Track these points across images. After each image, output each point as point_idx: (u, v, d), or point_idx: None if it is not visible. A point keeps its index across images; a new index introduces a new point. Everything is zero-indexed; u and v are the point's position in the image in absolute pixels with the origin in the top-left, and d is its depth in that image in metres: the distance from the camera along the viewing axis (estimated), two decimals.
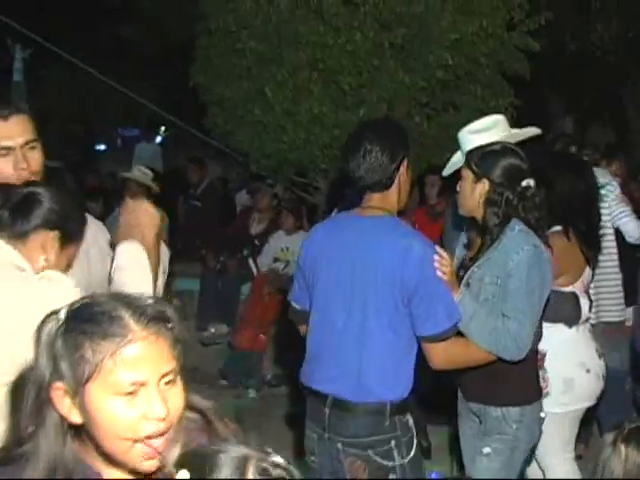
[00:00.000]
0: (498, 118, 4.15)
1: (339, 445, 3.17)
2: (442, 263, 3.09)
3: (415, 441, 3.21)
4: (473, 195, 3.42)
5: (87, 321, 1.51)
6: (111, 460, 1.57)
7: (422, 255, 3.07)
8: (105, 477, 1.59)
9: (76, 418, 1.54)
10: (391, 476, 3.15)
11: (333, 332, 3.19)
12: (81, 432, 1.57)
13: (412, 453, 3.17)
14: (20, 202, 2.46)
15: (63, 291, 2.20)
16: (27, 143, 2.69)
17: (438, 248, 3.15)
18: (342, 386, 3.16)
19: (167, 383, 1.53)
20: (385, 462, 3.13)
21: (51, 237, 2.46)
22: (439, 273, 3.08)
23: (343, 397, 3.16)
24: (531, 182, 3.37)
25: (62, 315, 1.54)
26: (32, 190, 2.50)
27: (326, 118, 7.44)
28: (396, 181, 3.17)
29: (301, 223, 7.73)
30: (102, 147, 20.93)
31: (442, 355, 3.15)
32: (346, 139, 3.42)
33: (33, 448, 1.55)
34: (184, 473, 1.28)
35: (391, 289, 3.06)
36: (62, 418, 1.54)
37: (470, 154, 3.49)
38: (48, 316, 1.57)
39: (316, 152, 7.67)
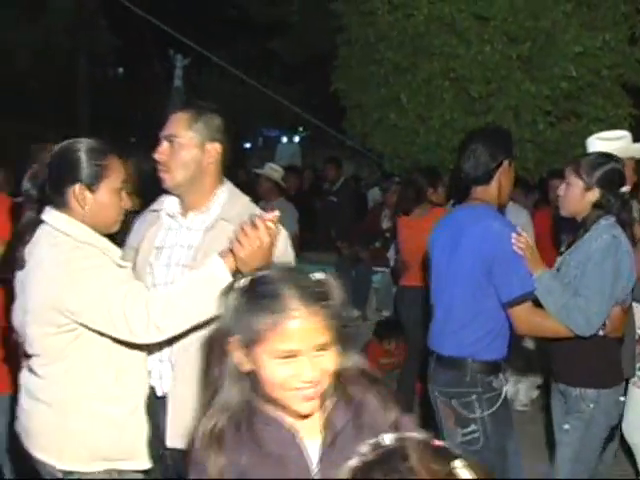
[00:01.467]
0: (626, 134, 4.54)
1: (436, 393, 3.68)
2: (519, 240, 3.46)
3: (501, 400, 3.54)
4: (582, 201, 3.70)
5: (259, 296, 1.71)
6: (277, 403, 1.79)
7: (499, 232, 3.48)
8: (284, 420, 1.81)
9: (248, 367, 1.77)
10: (472, 426, 3.53)
11: (435, 300, 3.79)
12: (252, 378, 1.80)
13: (493, 409, 3.52)
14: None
15: None
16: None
17: (518, 229, 3.55)
18: (437, 341, 3.71)
19: (319, 350, 1.71)
20: (466, 413, 3.54)
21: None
22: (516, 249, 3.45)
23: (436, 350, 3.70)
24: (627, 187, 3.77)
25: (242, 283, 1.77)
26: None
27: (456, 123, 7.80)
28: (496, 178, 3.62)
29: None
30: (247, 145, 22.10)
31: (523, 321, 3.48)
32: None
33: (219, 385, 1.81)
34: None
35: (473, 261, 3.49)
36: (237, 365, 1.78)
37: (579, 164, 3.74)
38: (233, 282, 1.83)
39: (445, 155, 8.03)
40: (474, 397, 3.52)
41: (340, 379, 1.81)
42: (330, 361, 1.73)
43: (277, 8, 14.31)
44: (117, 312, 2.51)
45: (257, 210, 2.89)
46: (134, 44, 18.12)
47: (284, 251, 2.81)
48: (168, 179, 2.89)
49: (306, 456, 1.79)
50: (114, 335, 2.59)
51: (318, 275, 1.77)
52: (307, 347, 1.69)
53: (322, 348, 1.71)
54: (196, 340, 2.60)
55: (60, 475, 2.71)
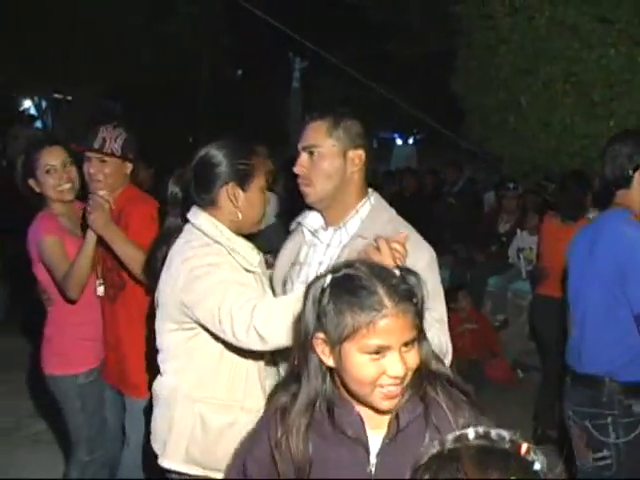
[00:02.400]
0: None
1: (570, 412, 3.44)
2: None
3: None
4: None
5: (349, 293, 1.73)
6: (357, 399, 1.82)
7: (634, 240, 3.24)
8: (355, 408, 1.84)
9: (330, 363, 1.79)
10: (604, 452, 3.25)
11: (571, 311, 3.58)
12: (334, 375, 1.83)
13: (631, 436, 3.22)
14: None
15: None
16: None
17: None
18: (573, 357, 3.47)
19: (406, 346, 1.74)
20: (599, 436, 3.27)
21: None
22: None
23: (572, 366, 3.46)
24: None
25: (328, 280, 1.78)
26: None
27: (577, 128, 7.75)
28: (636, 181, 3.37)
29: None
30: None
31: None
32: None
33: (301, 381, 1.86)
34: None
35: (606, 269, 3.27)
36: (320, 361, 1.81)
37: None
38: (316, 278, 1.83)
39: (565, 160, 7.96)
40: (609, 420, 3.26)
41: (418, 375, 1.82)
42: (415, 357, 1.77)
43: (394, 9, 14.41)
44: (225, 310, 2.49)
45: (402, 226, 2.64)
46: (253, 46, 18.58)
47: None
48: (311, 193, 2.69)
49: (366, 446, 1.82)
50: (219, 334, 2.57)
51: (403, 273, 1.80)
52: (397, 343, 1.71)
53: (409, 345, 1.74)
54: None
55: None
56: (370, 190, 2.76)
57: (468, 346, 7.15)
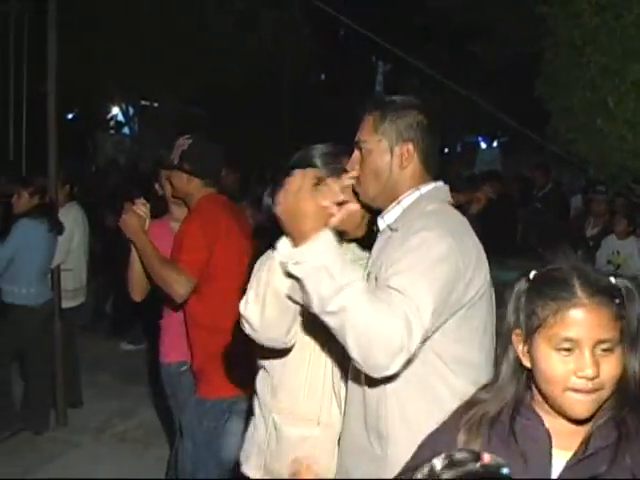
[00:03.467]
0: None
1: None
2: None
3: None
4: None
5: (545, 283, 1.69)
6: (550, 408, 1.72)
7: None
8: (545, 422, 1.72)
9: (527, 363, 1.72)
10: None
11: None
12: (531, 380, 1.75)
13: None
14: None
15: None
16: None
17: None
18: None
19: (604, 350, 1.62)
20: None
21: None
22: None
23: None
24: None
25: (531, 275, 1.73)
26: None
27: None
28: None
29: (634, 228, 7.70)
30: (445, 150, 22.14)
31: None
32: None
33: (499, 376, 1.79)
34: None
35: None
36: (518, 359, 1.74)
37: None
38: (521, 275, 1.76)
39: None
40: None
41: (620, 397, 1.68)
42: (613, 365, 1.63)
43: (476, 12, 14.31)
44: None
45: (433, 220, 2.33)
46: (336, 51, 18.68)
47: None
48: (361, 194, 2.50)
49: (549, 464, 1.71)
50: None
51: (612, 278, 1.70)
52: (588, 339, 1.61)
53: (607, 348, 1.62)
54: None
55: None
56: (425, 185, 2.45)
57: None
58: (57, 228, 5.72)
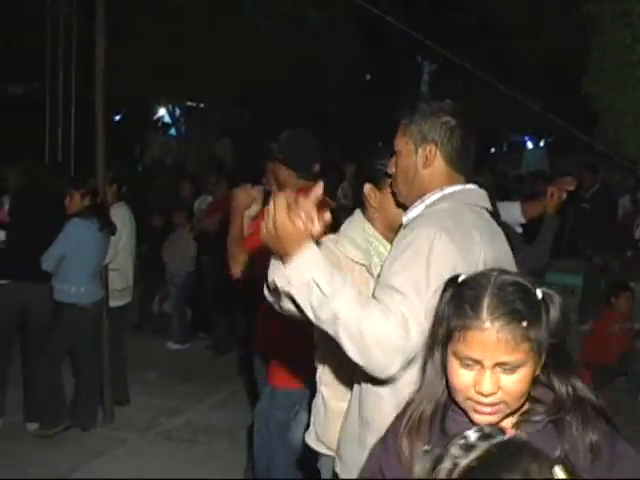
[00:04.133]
0: None
1: None
2: None
3: None
4: None
5: (460, 296, 1.69)
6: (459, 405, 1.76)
7: None
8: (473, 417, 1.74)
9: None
10: None
11: None
12: None
13: None
14: None
15: None
16: None
17: None
18: None
19: (504, 370, 1.65)
20: None
21: None
22: None
23: None
24: None
25: (459, 279, 1.74)
26: None
27: None
28: None
29: None
30: (492, 150, 21.95)
31: None
32: None
33: (424, 379, 1.83)
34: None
35: None
36: (442, 361, 1.76)
37: None
38: (450, 279, 1.77)
39: None
40: None
41: (557, 404, 1.73)
42: (517, 383, 1.66)
43: (522, 12, 14.17)
44: None
45: (444, 218, 2.34)
46: (381, 51, 18.63)
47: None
48: (397, 193, 2.61)
49: None
50: None
51: (539, 292, 1.69)
52: (489, 360, 1.64)
53: (508, 368, 1.64)
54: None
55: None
56: (458, 185, 2.48)
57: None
58: (109, 228, 5.81)
